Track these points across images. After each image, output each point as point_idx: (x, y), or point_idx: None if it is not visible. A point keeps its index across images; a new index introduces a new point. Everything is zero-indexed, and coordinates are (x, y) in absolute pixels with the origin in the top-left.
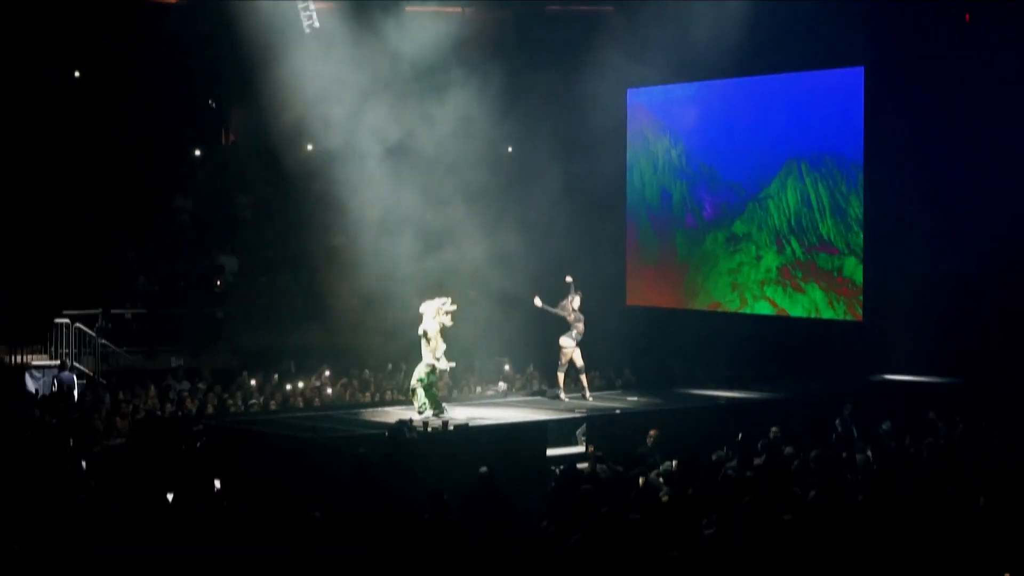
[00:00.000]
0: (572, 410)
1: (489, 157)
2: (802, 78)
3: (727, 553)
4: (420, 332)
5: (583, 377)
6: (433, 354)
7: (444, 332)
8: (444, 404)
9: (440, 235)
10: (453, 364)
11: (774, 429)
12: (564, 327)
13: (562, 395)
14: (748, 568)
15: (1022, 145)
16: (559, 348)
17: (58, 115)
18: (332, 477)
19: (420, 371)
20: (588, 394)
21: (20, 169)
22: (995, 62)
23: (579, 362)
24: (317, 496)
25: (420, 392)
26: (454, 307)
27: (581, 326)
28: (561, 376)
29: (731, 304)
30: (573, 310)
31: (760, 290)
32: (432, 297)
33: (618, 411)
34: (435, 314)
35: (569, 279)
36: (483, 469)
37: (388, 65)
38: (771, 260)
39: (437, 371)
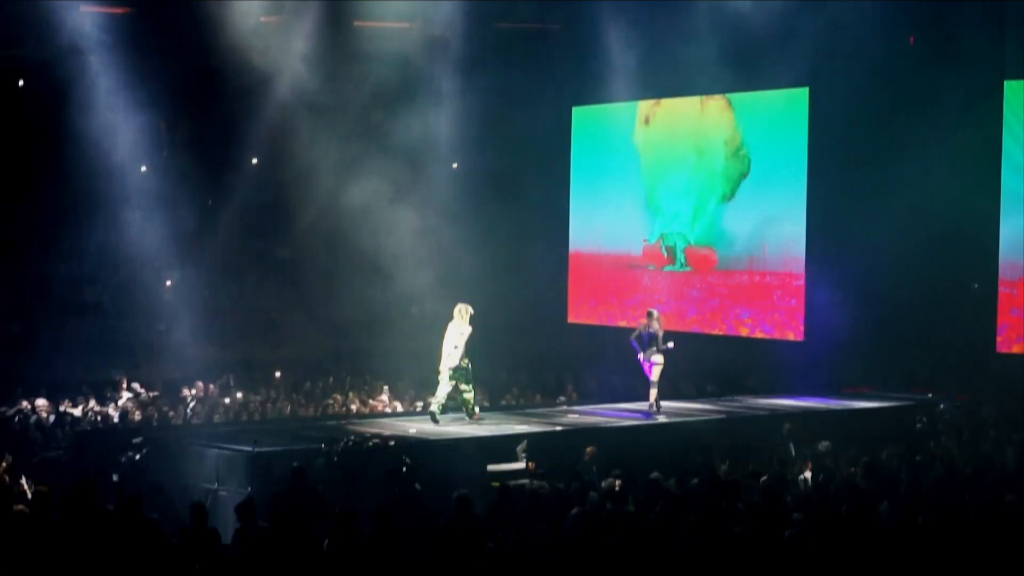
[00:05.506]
0: (513, 426)
1: (436, 174)
2: (747, 99)
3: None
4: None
5: (653, 392)
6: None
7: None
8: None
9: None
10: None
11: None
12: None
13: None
14: None
15: (963, 167)
16: (652, 365)
17: None
18: (271, 489)
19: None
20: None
21: None
22: (937, 85)
23: (653, 377)
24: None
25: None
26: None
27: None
28: (654, 392)
29: (675, 323)
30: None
31: (704, 308)
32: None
33: (559, 428)
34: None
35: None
36: (463, 491)
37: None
38: (715, 279)
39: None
